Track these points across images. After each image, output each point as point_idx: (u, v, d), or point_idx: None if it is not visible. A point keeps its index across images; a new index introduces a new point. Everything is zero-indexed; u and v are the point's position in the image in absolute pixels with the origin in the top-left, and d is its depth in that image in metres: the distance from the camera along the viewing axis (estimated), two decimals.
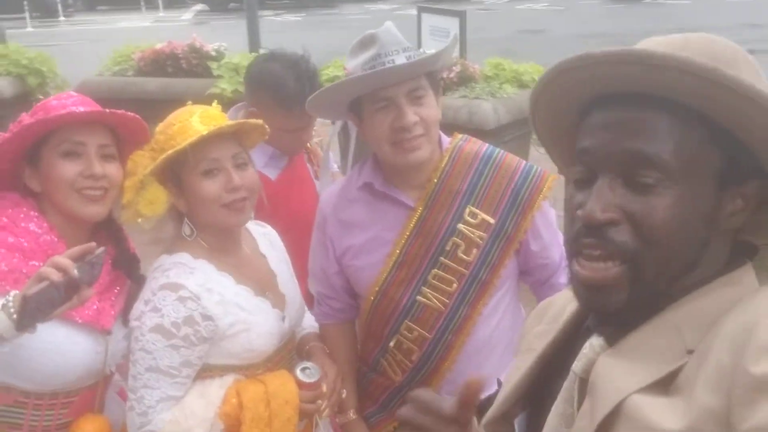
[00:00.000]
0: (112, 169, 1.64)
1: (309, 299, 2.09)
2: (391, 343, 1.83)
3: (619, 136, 0.83)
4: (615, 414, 0.80)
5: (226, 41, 6.02)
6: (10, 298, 1.34)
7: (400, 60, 1.63)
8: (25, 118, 1.58)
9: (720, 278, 0.85)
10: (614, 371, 0.84)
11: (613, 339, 0.88)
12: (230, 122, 1.65)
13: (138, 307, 1.60)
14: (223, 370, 1.65)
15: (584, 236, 0.85)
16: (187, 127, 1.60)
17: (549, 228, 1.81)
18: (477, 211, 1.76)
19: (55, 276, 1.33)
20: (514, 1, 20.06)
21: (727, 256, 0.88)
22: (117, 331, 1.68)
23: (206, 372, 1.64)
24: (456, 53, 5.84)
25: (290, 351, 1.86)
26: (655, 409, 0.77)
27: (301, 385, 1.69)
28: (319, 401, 1.74)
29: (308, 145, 2.45)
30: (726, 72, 0.77)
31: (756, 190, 0.85)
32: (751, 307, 0.79)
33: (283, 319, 1.77)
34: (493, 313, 1.80)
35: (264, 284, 1.77)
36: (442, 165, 1.79)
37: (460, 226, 1.76)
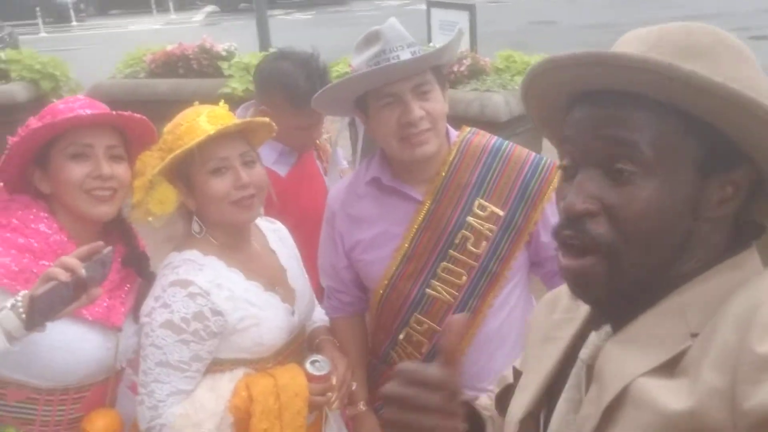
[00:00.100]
0: (120, 169, 1.66)
1: (320, 293, 2.10)
2: (401, 336, 1.84)
3: (596, 127, 0.85)
4: (621, 398, 0.81)
5: (237, 41, 6.05)
6: (19, 298, 1.36)
7: (405, 55, 1.64)
8: (33, 121, 1.60)
9: (724, 262, 0.85)
10: (620, 356, 0.84)
11: (618, 325, 0.89)
12: (237, 121, 1.66)
13: (148, 303, 1.62)
14: (233, 364, 1.67)
15: (565, 228, 0.87)
16: (195, 126, 1.62)
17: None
18: (486, 203, 1.76)
19: (63, 276, 1.35)
20: None
21: (726, 240, 0.87)
22: (128, 327, 1.71)
23: (216, 366, 1.66)
24: (467, 46, 5.85)
25: (300, 344, 1.88)
26: (661, 391, 0.78)
27: (310, 378, 1.71)
28: (329, 394, 1.75)
29: (317, 141, 2.46)
30: (681, 67, 0.78)
31: (745, 175, 0.85)
32: (755, 288, 0.80)
33: (293, 313, 1.79)
34: (503, 305, 1.80)
35: (274, 279, 1.78)
36: (451, 158, 1.79)
37: (470, 218, 1.76)
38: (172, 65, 5.61)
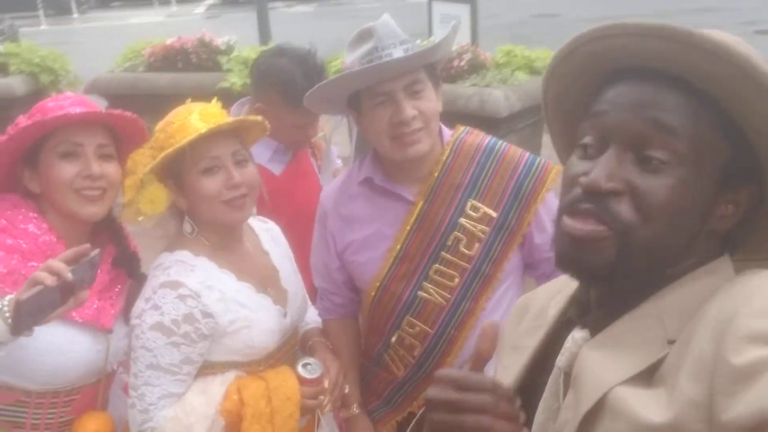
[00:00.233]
0: (111, 168, 1.64)
1: (314, 293, 2.09)
2: (393, 339, 1.83)
3: (637, 106, 0.84)
4: (599, 407, 0.81)
5: (239, 34, 6.03)
6: (6, 303, 1.35)
7: (398, 53, 1.61)
8: (23, 120, 1.58)
9: (699, 269, 0.86)
10: (597, 363, 0.84)
11: (595, 330, 0.89)
12: (229, 120, 1.64)
13: (139, 305, 1.60)
14: (224, 366, 1.66)
15: (582, 201, 0.85)
16: (187, 125, 1.59)
17: (554, 221, 1.78)
18: (479, 204, 1.75)
19: (49, 280, 1.34)
20: None
21: (708, 252, 0.88)
22: (118, 329, 1.69)
23: (208, 369, 1.64)
24: (467, 40, 5.81)
25: (293, 347, 1.86)
26: (639, 400, 0.78)
27: (302, 381, 1.69)
28: (321, 397, 1.74)
29: (312, 139, 2.44)
30: (756, 62, 0.78)
31: (747, 198, 0.86)
32: (730, 295, 0.80)
33: (285, 315, 1.77)
34: (496, 307, 1.78)
35: (266, 280, 1.76)
36: (444, 158, 1.77)
37: (462, 220, 1.74)
38: (171, 59, 5.59)
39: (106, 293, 1.69)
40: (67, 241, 1.62)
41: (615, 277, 0.86)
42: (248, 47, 5.69)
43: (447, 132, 1.83)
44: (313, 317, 2.02)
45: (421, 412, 1.85)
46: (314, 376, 1.72)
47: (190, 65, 5.57)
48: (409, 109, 1.63)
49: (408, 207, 1.77)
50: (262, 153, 2.21)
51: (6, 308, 1.34)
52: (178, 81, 5.50)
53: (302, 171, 2.40)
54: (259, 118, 1.70)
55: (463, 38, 5.90)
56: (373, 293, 1.81)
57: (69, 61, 6.24)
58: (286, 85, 2.16)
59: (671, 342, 0.81)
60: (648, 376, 0.80)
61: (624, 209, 0.83)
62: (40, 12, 19.34)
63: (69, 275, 1.36)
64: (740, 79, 0.79)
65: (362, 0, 20.06)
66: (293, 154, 2.36)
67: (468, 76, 4.86)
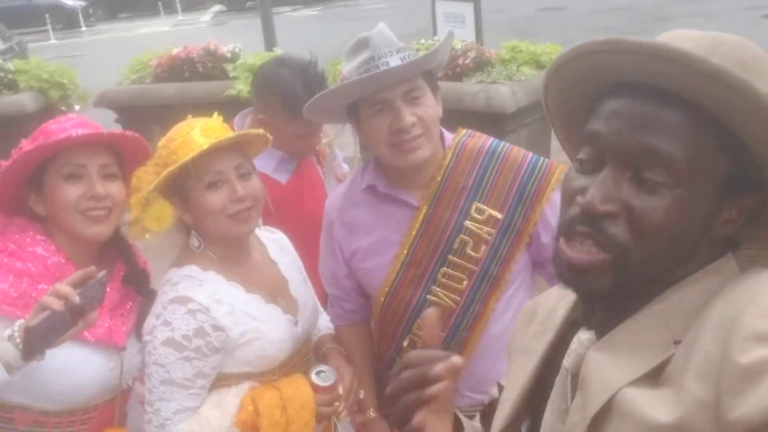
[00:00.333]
0: (115, 188, 1.66)
1: (325, 299, 2.10)
2: (405, 343, 1.83)
3: (634, 127, 0.83)
4: (607, 408, 0.81)
5: (246, 40, 6.06)
6: (16, 328, 1.37)
7: (395, 61, 1.62)
8: (25, 144, 1.60)
9: (704, 268, 0.86)
10: (604, 365, 0.84)
11: (600, 332, 0.89)
12: (230, 134, 1.65)
13: (150, 321, 1.62)
14: (238, 378, 1.67)
15: (579, 223, 0.85)
16: (189, 141, 1.61)
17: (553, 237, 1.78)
18: (484, 207, 1.74)
19: (57, 305, 1.36)
20: None
21: (712, 253, 0.88)
22: (131, 346, 1.71)
23: (222, 381, 1.66)
24: (472, 38, 5.80)
25: (306, 354, 1.87)
26: (647, 401, 0.78)
27: (316, 388, 1.70)
28: (336, 404, 1.75)
29: (317, 147, 2.45)
30: (756, 87, 0.76)
31: (753, 202, 0.86)
32: (734, 295, 0.80)
33: (296, 323, 1.78)
34: (506, 308, 1.78)
35: (275, 290, 1.78)
36: (446, 162, 1.77)
37: (467, 223, 1.74)
38: (177, 69, 5.63)
39: (117, 311, 1.71)
40: (76, 262, 1.64)
41: (614, 296, 0.86)
42: (253, 54, 5.72)
43: (449, 136, 1.83)
44: (325, 323, 2.03)
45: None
46: (328, 383, 1.73)
47: (196, 74, 5.61)
48: (408, 116, 1.63)
49: (412, 212, 1.78)
50: (267, 163, 2.23)
51: (17, 334, 1.36)
52: (185, 90, 5.54)
53: (308, 179, 2.41)
54: (261, 131, 1.71)
55: (467, 36, 5.90)
56: (382, 299, 1.82)
57: (77, 75, 6.30)
58: (287, 96, 2.17)
59: (677, 342, 0.81)
60: (654, 377, 0.80)
61: (619, 231, 0.83)
62: (49, 26, 19.53)
63: (76, 299, 1.38)
64: (741, 102, 0.78)
65: (367, 1, 20.08)
66: (298, 163, 2.37)
67: (473, 74, 4.85)
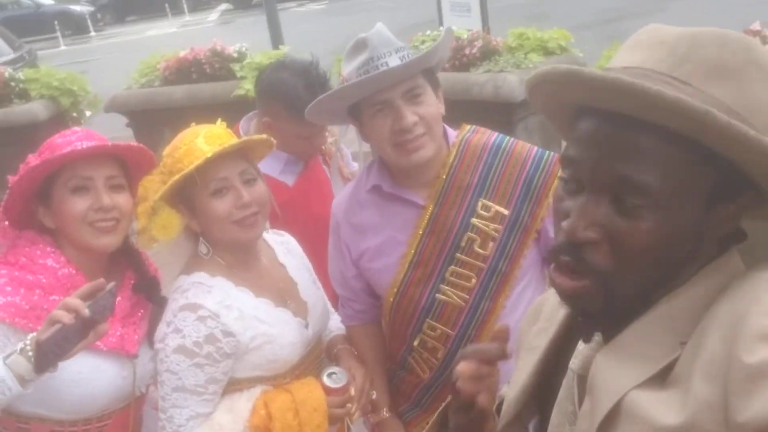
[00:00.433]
0: (121, 199, 1.67)
1: (336, 299, 2.10)
2: (416, 342, 1.83)
3: (606, 154, 0.81)
4: (615, 412, 0.81)
5: (253, 37, 6.06)
6: (28, 341, 1.39)
7: (394, 61, 1.61)
8: (32, 158, 1.62)
9: (707, 266, 0.85)
10: (611, 369, 0.84)
11: (608, 335, 0.89)
12: (234, 141, 1.65)
13: (161, 329, 1.63)
14: (250, 382, 1.68)
15: (563, 253, 0.86)
16: (193, 148, 1.61)
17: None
18: (490, 203, 1.74)
19: (67, 318, 1.37)
20: None
21: (713, 252, 0.86)
22: (144, 353, 1.73)
23: (234, 385, 1.67)
24: (478, 27, 5.76)
25: (318, 356, 1.88)
26: (655, 403, 0.78)
27: (328, 390, 1.71)
28: (349, 405, 1.76)
29: (323, 147, 2.45)
30: (718, 117, 0.74)
31: (749, 198, 0.83)
32: (740, 294, 0.79)
33: (306, 326, 1.79)
34: (516, 305, 1.77)
35: (284, 294, 1.78)
36: (450, 160, 1.76)
37: (474, 220, 1.73)
38: (185, 71, 5.65)
39: (129, 319, 1.72)
40: (86, 272, 1.65)
41: (609, 313, 0.86)
42: (260, 53, 5.72)
43: (452, 133, 1.82)
44: (336, 324, 2.04)
45: (444, 404, 1.86)
46: (340, 385, 1.74)
47: (204, 75, 5.63)
48: (410, 116, 1.63)
49: (418, 211, 1.77)
50: (273, 165, 2.24)
51: (29, 347, 1.38)
52: (194, 92, 5.57)
53: (316, 179, 2.41)
54: (264, 136, 1.72)
55: (473, 25, 5.86)
56: (391, 299, 1.82)
57: (88, 81, 6.35)
58: (290, 98, 2.17)
59: (683, 343, 0.80)
60: (662, 379, 0.80)
61: (600, 258, 0.82)
62: (58, 33, 19.68)
63: (86, 311, 1.39)
64: (703, 128, 0.76)
65: None
66: (305, 164, 2.38)
67: (481, 63, 4.81)
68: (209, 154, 1.58)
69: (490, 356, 1.02)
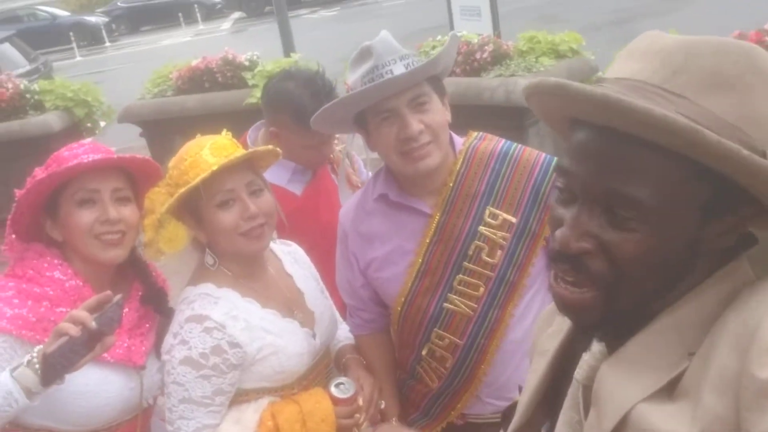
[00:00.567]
0: (128, 211, 1.68)
1: (345, 309, 2.09)
2: (424, 351, 1.81)
3: (598, 168, 0.80)
4: (622, 425, 0.80)
5: (266, 45, 6.09)
6: (35, 354, 1.39)
7: (399, 69, 1.60)
8: (39, 172, 1.63)
9: (714, 275, 0.82)
10: (617, 380, 0.83)
11: (612, 345, 0.87)
12: (240, 153, 1.64)
13: (168, 340, 1.63)
14: (257, 393, 1.68)
15: (559, 261, 0.85)
16: (199, 160, 1.61)
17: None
18: (497, 211, 1.72)
19: (73, 331, 1.38)
20: None
21: (714, 263, 0.84)
22: (151, 364, 1.73)
23: (241, 396, 1.66)
24: (489, 31, 5.74)
25: (326, 366, 1.87)
26: (663, 416, 0.77)
27: (336, 401, 1.70)
28: (357, 415, 1.74)
29: (331, 155, 2.45)
30: (708, 136, 0.72)
31: (749, 210, 0.81)
32: (750, 304, 0.77)
33: (314, 336, 1.78)
34: (525, 313, 1.75)
35: (291, 304, 1.78)
36: (457, 168, 1.75)
37: (482, 228, 1.72)
38: (197, 80, 5.69)
39: (136, 331, 1.72)
40: (93, 284, 1.66)
41: (609, 323, 0.85)
42: (271, 61, 5.75)
43: (459, 140, 1.80)
44: (345, 334, 2.03)
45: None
46: (347, 395, 1.72)
47: (216, 84, 5.67)
48: (415, 124, 1.62)
49: (425, 220, 1.76)
50: (281, 175, 2.24)
51: (35, 359, 1.38)
52: (206, 101, 5.60)
53: (324, 188, 2.41)
54: (270, 147, 1.72)
55: (484, 29, 5.85)
56: (399, 308, 1.81)
57: (101, 91, 6.41)
58: (296, 108, 2.18)
59: (691, 354, 0.79)
60: (669, 391, 0.79)
61: (597, 265, 0.81)
62: (73, 44, 19.92)
63: (93, 324, 1.40)
64: (692, 148, 0.74)
65: None
66: (313, 173, 2.37)
67: (492, 68, 4.80)
68: (215, 167, 1.57)
69: None
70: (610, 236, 0.80)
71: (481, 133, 1.84)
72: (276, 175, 2.12)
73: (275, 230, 1.82)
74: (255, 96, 5.22)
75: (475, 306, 1.73)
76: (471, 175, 1.74)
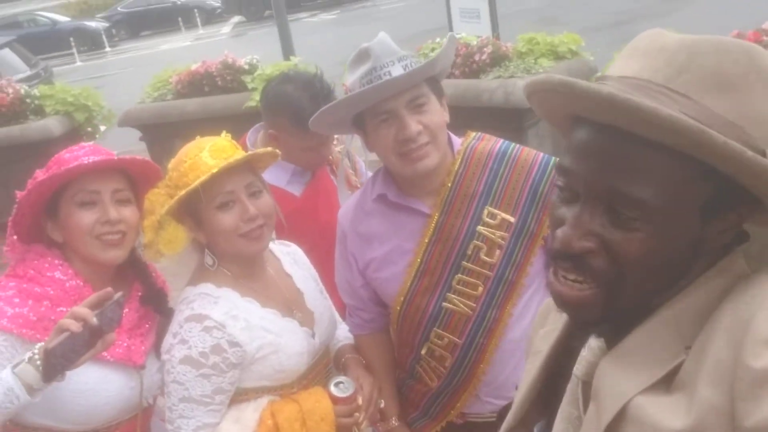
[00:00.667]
0: (128, 212, 1.69)
1: (345, 309, 2.10)
2: (423, 351, 1.82)
3: (601, 167, 0.81)
4: (620, 417, 0.81)
5: (266, 49, 6.10)
6: (36, 351, 1.41)
7: (397, 71, 1.61)
8: (39, 173, 1.64)
9: (710, 270, 0.84)
10: (616, 375, 0.84)
11: (611, 341, 0.88)
12: (239, 156, 1.65)
13: (167, 340, 1.64)
14: (257, 392, 1.68)
15: (561, 259, 0.85)
16: (198, 162, 1.62)
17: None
18: (496, 211, 1.73)
19: (75, 327, 1.39)
20: None
21: (713, 258, 0.85)
22: (151, 364, 1.74)
23: (241, 396, 1.67)
24: (488, 33, 5.76)
25: (326, 366, 1.88)
26: (660, 408, 0.78)
27: (335, 400, 1.71)
28: (356, 414, 1.75)
29: (330, 156, 2.46)
30: (714, 137, 0.73)
31: (751, 209, 0.82)
32: (745, 297, 0.78)
33: (313, 336, 1.79)
34: (524, 312, 1.76)
35: (291, 304, 1.78)
36: (455, 168, 1.75)
37: (480, 228, 1.72)
38: (197, 84, 5.71)
39: (136, 330, 1.73)
40: (94, 284, 1.67)
41: (609, 320, 0.86)
42: (271, 65, 5.77)
43: (457, 141, 1.81)
44: (344, 334, 2.04)
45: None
46: (347, 394, 1.73)
47: (216, 88, 5.69)
48: (414, 125, 1.62)
49: (424, 220, 1.77)
50: (280, 176, 2.25)
51: (37, 356, 1.39)
52: (206, 105, 5.62)
53: (323, 189, 2.42)
54: (269, 149, 1.73)
55: (483, 31, 5.86)
56: (398, 308, 1.82)
57: (101, 96, 6.43)
58: (294, 111, 2.19)
59: (688, 347, 0.80)
60: (667, 383, 0.80)
61: (600, 263, 0.82)
62: (74, 49, 19.96)
63: (94, 320, 1.41)
64: (698, 148, 0.75)
65: (384, 2, 20.08)
66: (312, 174, 2.38)
67: (491, 69, 4.81)
68: (215, 169, 1.58)
69: None
70: (612, 236, 0.81)
71: (479, 133, 1.85)
72: (275, 176, 2.13)
73: (274, 231, 1.83)
74: (254, 99, 5.24)
75: (474, 305, 1.74)
76: (469, 175, 1.75)
